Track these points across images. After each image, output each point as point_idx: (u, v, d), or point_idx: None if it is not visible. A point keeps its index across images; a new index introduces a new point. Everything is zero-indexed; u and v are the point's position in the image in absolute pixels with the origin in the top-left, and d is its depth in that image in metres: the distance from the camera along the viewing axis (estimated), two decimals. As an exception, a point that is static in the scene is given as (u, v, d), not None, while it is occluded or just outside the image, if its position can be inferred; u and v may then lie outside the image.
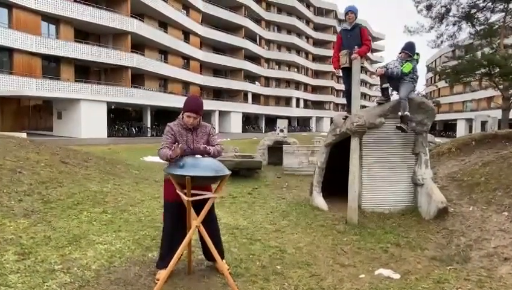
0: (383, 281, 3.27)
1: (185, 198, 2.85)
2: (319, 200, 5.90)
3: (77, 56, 24.56)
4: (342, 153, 5.70)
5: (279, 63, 54.70)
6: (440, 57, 47.05)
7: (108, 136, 23.95)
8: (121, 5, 27.38)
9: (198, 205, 2.97)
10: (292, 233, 4.59)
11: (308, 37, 59.34)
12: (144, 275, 3.15)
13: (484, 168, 6.11)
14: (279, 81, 54.64)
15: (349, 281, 3.25)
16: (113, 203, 5.32)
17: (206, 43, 40.39)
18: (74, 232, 3.97)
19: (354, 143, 5.09)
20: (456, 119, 48.95)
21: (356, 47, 5.29)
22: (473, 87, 43.03)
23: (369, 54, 44.04)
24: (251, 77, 47.30)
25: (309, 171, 9.58)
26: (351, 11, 5.47)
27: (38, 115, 26.30)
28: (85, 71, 27.43)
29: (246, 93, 45.21)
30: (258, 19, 48.12)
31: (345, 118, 5.54)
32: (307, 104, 58.77)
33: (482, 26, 14.93)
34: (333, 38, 53.81)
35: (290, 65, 56.00)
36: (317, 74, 62.55)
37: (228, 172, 2.95)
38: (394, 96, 5.96)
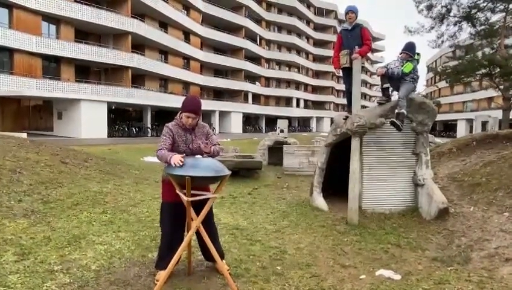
0: (383, 282, 3.26)
1: (184, 198, 2.84)
2: (320, 201, 5.89)
3: (77, 56, 24.56)
4: (342, 154, 5.69)
5: (280, 63, 54.71)
6: (440, 57, 47.08)
7: (108, 137, 23.95)
8: (122, 5, 27.39)
9: (197, 206, 2.96)
10: (292, 234, 4.58)
11: (308, 38, 59.34)
12: (143, 275, 3.14)
13: (485, 168, 6.10)
14: (279, 82, 54.64)
15: (350, 282, 3.24)
16: (113, 203, 5.31)
17: (206, 44, 40.39)
18: (74, 232, 3.96)
19: (355, 143, 5.08)
20: (456, 120, 48.95)
21: (357, 47, 5.28)
22: (474, 87, 43.05)
23: (369, 54, 44.06)
24: (251, 77, 47.29)
25: (309, 172, 9.57)
26: (352, 11, 5.46)
27: (38, 115, 26.30)
28: (85, 71, 27.43)
29: (246, 94, 45.20)
30: (258, 19, 48.12)
31: (346, 118, 5.53)
32: (307, 104, 58.77)
33: (483, 27, 14.92)
34: (333, 38, 53.76)
35: (290, 65, 56.01)
36: (317, 74, 62.56)
37: (228, 172, 2.94)
38: (395, 96, 5.94)
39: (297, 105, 54.60)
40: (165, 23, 33.03)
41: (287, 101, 54.30)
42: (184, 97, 3.47)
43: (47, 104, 25.38)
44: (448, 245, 4.27)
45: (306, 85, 59.05)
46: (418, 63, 5.42)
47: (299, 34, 56.61)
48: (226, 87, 42.53)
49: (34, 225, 4.04)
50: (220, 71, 43.47)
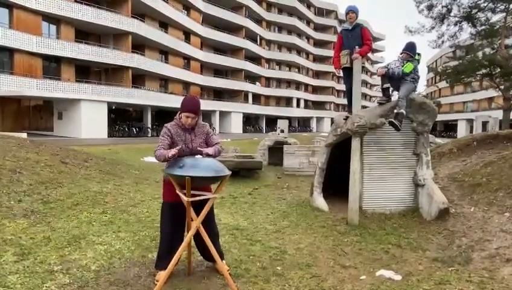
0: (384, 282, 3.25)
1: (184, 198, 2.83)
2: (320, 201, 5.88)
3: (78, 56, 24.56)
4: (342, 154, 5.68)
5: (280, 64, 54.70)
6: (441, 57, 47.04)
7: (108, 137, 23.95)
8: (122, 5, 27.39)
9: (198, 206, 2.95)
10: (293, 234, 4.57)
11: (308, 38, 59.34)
12: (143, 276, 3.14)
13: (485, 168, 6.09)
14: (279, 82, 54.64)
15: (350, 283, 3.23)
16: (113, 203, 5.30)
17: (206, 44, 40.39)
18: (74, 232, 3.95)
19: (355, 143, 5.07)
20: (456, 120, 48.93)
21: (357, 47, 5.27)
22: (474, 87, 43.06)
23: (369, 55, 44.02)
24: (252, 77, 47.29)
25: (309, 172, 9.56)
26: (352, 11, 5.45)
27: (38, 115, 26.30)
28: (85, 71, 27.44)
29: (246, 94, 45.20)
30: (258, 19, 48.12)
31: (346, 118, 5.52)
32: (308, 104, 58.76)
33: (483, 27, 14.90)
34: (334, 38, 53.78)
35: (290, 65, 56.00)
36: (317, 75, 62.55)
37: (228, 172, 2.94)
38: (395, 96, 5.94)
39: (298, 105, 54.60)
40: (165, 23, 33.03)
41: (287, 101, 54.30)
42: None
43: (47, 104, 25.39)
44: (448, 245, 4.26)
45: (306, 85, 59.05)
46: (418, 63, 5.41)
47: (300, 34, 56.60)
48: (226, 87, 42.53)
49: (34, 225, 4.04)
50: (220, 71, 43.47)
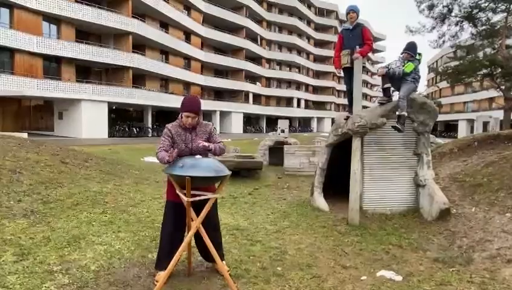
0: (385, 283, 3.24)
1: (184, 199, 2.82)
2: (320, 201, 5.87)
3: (78, 56, 24.56)
4: (343, 154, 5.67)
5: (280, 64, 54.70)
6: (442, 57, 46.98)
7: (109, 137, 23.97)
8: (122, 6, 27.39)
9: (199, 206, 2.93)
10: (293, 234, 4.55)
11: (309, 38, 59.32)
12: (143, 276, 3.12)
13: (486, 168, 6.08)
14: (280, 82, 54.64)
15: (351, 283, 3.21)
16: (113, 203, 5.29)
17: (207, 44, 40.40)
18: (73, 232, 3.94)
19: (356, 143, 5.06)
20: (457, 120, 48.89)
21: (358, 47, 5.25)
22: (475, 87, 42.97)
23: (370, 55, 44.04)
24: (252, 78, 47.29)
25: (310, 172, 9.55)
26: (353, 10, 5.43)
27: (39, 115, 26.33)
28: (86, 71, 27.45)
29: (247, 94, 45.20)
30: (259, 20, 48.12)
31: (347, 118, 5.51)
32: (308, 104, 58.75)
33: (484, 27, 14.87)
34: (334, 38, 53.78)
35: (291, 66, 56.01)
36: (318, 75, 62.53)
37: (228, 172, 2.92)
38: (396, 96, 5.92)
39: (298, 105, 54.59)
40: (165, 24, 33.03)
41: (288, 102, 54.30)
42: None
43: (48, 104, 25.41)
44: (449, 246, 4.25)
45: (307, 85, 59.04)
46: (419, 63, 5.40)
47: (300, 34, 56.58)
48: (227, 88, 42.52)
49: (34, 225, 4.03)
50: (220, 71, 43.48)
